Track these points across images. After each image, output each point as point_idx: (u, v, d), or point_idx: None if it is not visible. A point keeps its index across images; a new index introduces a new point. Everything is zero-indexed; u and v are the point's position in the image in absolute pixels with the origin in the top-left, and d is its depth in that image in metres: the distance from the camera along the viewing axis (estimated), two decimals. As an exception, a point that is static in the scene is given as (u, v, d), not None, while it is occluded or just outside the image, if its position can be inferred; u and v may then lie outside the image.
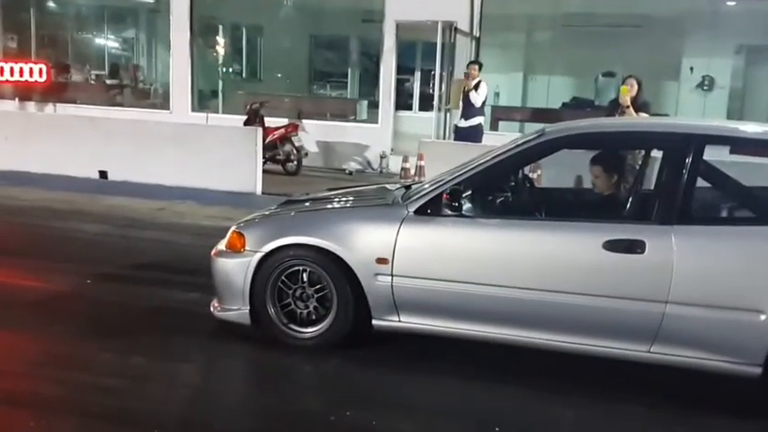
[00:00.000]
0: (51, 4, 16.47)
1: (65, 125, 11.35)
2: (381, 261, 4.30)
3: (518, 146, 4.36)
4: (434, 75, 12.69)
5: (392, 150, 12.81)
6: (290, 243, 4.48)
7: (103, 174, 10.81)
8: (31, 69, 14.37)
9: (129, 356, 4.33)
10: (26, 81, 14.33)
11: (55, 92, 14.74)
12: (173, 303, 5.36)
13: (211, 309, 4.77)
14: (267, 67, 16.51)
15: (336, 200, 5.07)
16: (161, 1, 14.74)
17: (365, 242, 4.35)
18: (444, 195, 4.24)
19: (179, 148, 10.37)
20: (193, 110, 14.12)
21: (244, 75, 16.35)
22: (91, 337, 4.61)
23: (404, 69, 14.36)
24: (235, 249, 4.63)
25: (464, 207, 4.24)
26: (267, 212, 4.98)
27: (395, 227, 4.30)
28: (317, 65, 16.33)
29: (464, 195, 4.24)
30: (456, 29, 12.38)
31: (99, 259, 6.42)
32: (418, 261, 4.28)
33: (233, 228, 4.76)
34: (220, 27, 15.19)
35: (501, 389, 4.08)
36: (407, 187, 5.10)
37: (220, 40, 14.74)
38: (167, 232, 7.74)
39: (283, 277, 4.54)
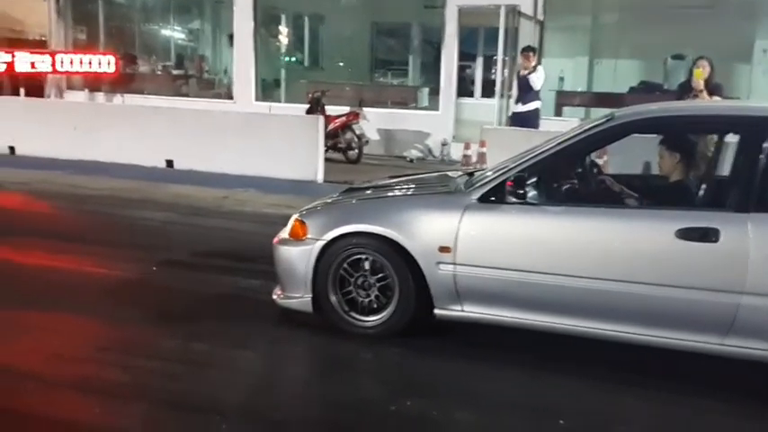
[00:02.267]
0: (122, 3, 16.74)
1: (132, 115, 11.54)
2: (444, 250, 4.23)
3: (586, 130, 4.23)
4: (496, 60, 12.47)
5: (454, 137, 12.67)
6: (352, 231, 4.44)
7: (170, 162, 10.97)
8: (99, 61, 14.69)
9: (193, 342, 4.36)
10: (95, 72, 14.65)
11: (123, 83, 15.02)
12: (235, 290, 5.38)
13: (274, 296, 4.77)
14: (328, 56, 16.53)
15: (398, 187, 5.01)
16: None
17: (427, 230, 4.28)
18: (508, 183, 4.13)
19: (243, 137, 10.45)
20: (257, 99, 14.22)
21: (306, 63, 16.40)
22: (155, 324, 4.65)
23: (466, 56, 14.21)
24: (297, 237, 4.62)
25: (529, 194, 4.12)
26: (329, 200, 4.95)
27: (457, 215, 4.21)
28: (378, 52, 16.26)
29: (529, 182, 4.12)
30: (519, 12, 12.15)
31: (164, 246, 6.52)
32: (481, 249, 4.19)
33: (295, 216, 4.74)
34: (283, 16, 15.28)
35: (565, 380, 3.97)
36: (470, 174, 5.00)
37: (283, 29, 14.83)
38: (230, 220, 7.79)
39: (345, 265, 4.50)
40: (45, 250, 6.30)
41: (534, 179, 4.17)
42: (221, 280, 5.58)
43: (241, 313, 4.92)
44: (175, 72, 16.12)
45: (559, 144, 4.21)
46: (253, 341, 4.48)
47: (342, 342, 4.41)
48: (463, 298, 4.27)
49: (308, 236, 4.56)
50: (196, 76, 16.05)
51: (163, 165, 10.94)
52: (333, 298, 4.53)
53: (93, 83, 15.06)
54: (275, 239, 4.79)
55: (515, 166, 4.22)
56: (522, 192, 4.07)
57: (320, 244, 4.50)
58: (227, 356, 4.22)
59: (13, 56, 13.36)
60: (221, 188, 9.44)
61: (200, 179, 9.98)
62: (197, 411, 3.52)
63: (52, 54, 14.12)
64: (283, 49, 14.74)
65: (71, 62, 14.28)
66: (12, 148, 11.77)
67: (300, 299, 4.59)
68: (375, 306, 4.50)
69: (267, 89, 14.79)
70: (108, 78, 14.92)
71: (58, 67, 14.09)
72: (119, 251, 6.32)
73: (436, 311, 4.36)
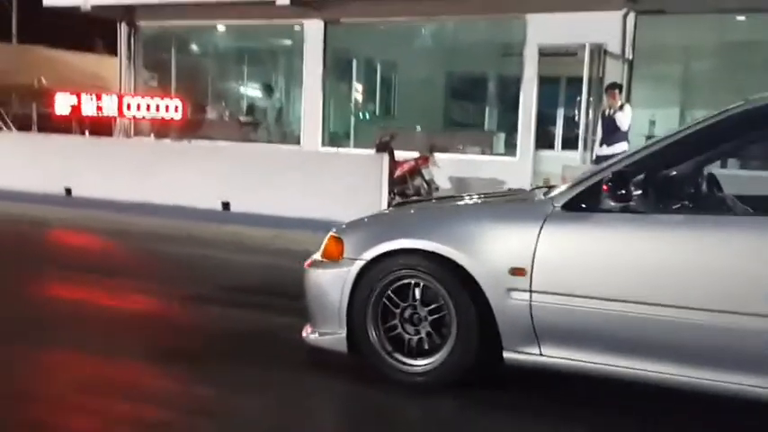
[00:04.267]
0: (193, 47, 16.54)
1: (190, 154, 10.96)
2: (517, 272, 3.19)
3: (713, 117, 3.14)
4: (579, 101, 11.37)
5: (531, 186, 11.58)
6: (399, 249, 3.46)
7: (226, 204, 10.25)
8: (167, 105, 14.26)
9: (192, 386, 3.46)
10: (162, 118, 14.22)
11: (190, 129, 14.58)
12: (261, 328, 4.51)
13: (303, 334, 3.79)
14: (401, 104, 15.79)
15: (461, 200, 4.00)
16: (297, 42, 14.36)
17: (495, 247, 3.27)
18: (604, 186, 3.07)
19: (302, 178, 9.65)
20: (323, 144, 13.55)
21: (377, 111, 15.71)
22: (155, 362, 3.77)
23: (545, 116, 13.16)
24: (331, 258, 3.66)
25: (634, 198, 3.05)
26: (375, 214, 3.97)
27: (535, 227, 3.18)
28: (453, 102, 15.44)
29: (634, 182, 3.05)
30: (605, 51, 11.12)
31: (196, 280, 5.78)
32: (568, 272, 3.14)
33: (331, 232, 3.78)
34: (354, 63, 14.69)
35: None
36: (550, 187, 3.96)
37: (354, 77, 14.23)
38: (276, 257, 7.05)
39: (389, 293, 3.50)
40: (64, 281, 5.69)
41: (641, 179, 3.10)
42: (248, 317, 4.77)
43: (260, 354, 4.00)
44: (243, 119, 15.63)
45: (679, 134, 3.14)
46: (265, 386, 3.50)
47: (379, 392, 3.40)
48: (542, 337, 3.19)
49: (345, 256, 3.59)
50: (264, 124, 15.52)
51: (219, 206, 10.24)
52: (373, 334, 3.52)
53: (161, 128, 14.67)
54: (307, 262, 3.83)
55: (615, 165, 3.17)
56: (624, 193, 2.99)
57: (358, 265, 3.53)
58: (227, 403, 3.26)
59: (79, 98, 13.07)
60: (274, 228, 8.63)
61: (255, 220, 9.24)
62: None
63: (119, 97, 13.79)
64: (354, 96, 14.10)
65: (138, 106, 13.89)
66: (68, 190, 11.29)
67: (333, 335, 3.61)
68: (426, 346, 3.46)
69: (337, 139, 14.13)
70: (175, 124, 14.48)
71: (125, 111, 13.70)
72: (144, 284, 5.60)
73: (506, 355, 3.28)
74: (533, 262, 3.16)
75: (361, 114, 14.89)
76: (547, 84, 12.67)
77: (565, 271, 3.13)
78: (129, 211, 9.88)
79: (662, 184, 3.18)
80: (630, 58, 11.12)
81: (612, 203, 3.04)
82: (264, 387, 3.47)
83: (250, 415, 3.15)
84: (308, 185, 9.61)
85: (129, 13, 14.87)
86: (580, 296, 3.09)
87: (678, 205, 3.19)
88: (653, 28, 11.01)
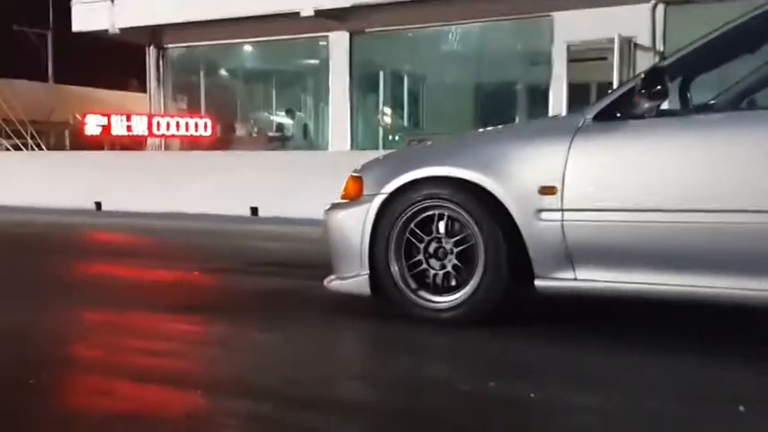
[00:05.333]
0: (220, 66, 16.65)
1: (217, 164, 10.90)
2: (546, 191, 2.97)
3: (748, 14, 2.92)
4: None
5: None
6: (421, 178, 3.27)
7: (254, 210, 10.21)
8: (196, 124, 14.37)
9: (210, 326, 3.31)
10: (191, 135, 14.32)
11: (219, 146, 14.62)
12: (285, 287, 4.36)
13: (325, 282, 3.60)
14: (429, 112, 15.66)
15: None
16: (323, 57, 14.35)
17: (523, 167, 3.06)
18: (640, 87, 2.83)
19: (328, 179, 9.49)
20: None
21: (406, 123, 15.59)
22: (176, 313, 3.58)
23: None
24: (351, 197, 3.50)
25: (670, 98, 2.83)
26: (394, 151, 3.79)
27: (565, 141, 2.97)
28: (481, 108, 15.25)
29: (673, 81, 2.83)
30: (635, 44, 10.90)
31: (222, 258, 5.71)
32: (602, 185, 2.92)
33: (350, 173, 3.61)
34: (381, 75, 14.62)
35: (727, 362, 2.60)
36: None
37: (382, 97, 14.16)
38: (303, 243, 6.87)
39: (412, 226, 3.30)
40: (94, 262, 5.70)
41: (681, 78, 2.88)
42: (268, 281, 4.59)
43: (286, 305, 3.81)
44: (271, 134, 15.64)
45: (723, 29, 2.90)
46: (284, 326, 3.30)
47: (405, 328, 3.19)
48: (577, 260, 2.95)
49: (365, 193, 3.41)
50: (292, 139, 15.51)
51: (247, 212, 10.17)
52: (396, 272, 3.31)
53: (191, 147, 14.74)
54: (326, 207, 3.66)
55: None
56: (660, 90, 2.75)
57: (379, 200, 3.35)
58: (244, 338, 3.10)
59: (109, 119, 13.19)
60: (304, 226, 8.51)
61: (284, 222, 9.16)
62: (171, 383, 2.38)
63: (149, 117, 13.90)
64: (383, 118, 14.01)
65: (168, 126, 14.01)
66: (98, 204, 11.32)
67: (355, 277, 3.41)
68: (452, 281, 3.24)
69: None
70: (205, 142, 14.55)
71: (155, 130, 13.81)
72: (168, 262, 5.55)
73: (538, 283, 3.04)
74: (564, 178, 2.94)
75: (390, 136, 14.77)
76: (577, 90, 12.46)
77: (599, 184, 2.92)
78: (159, 218, 9.89)
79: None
80: (662, 50, 10.88)
81: (648, 105, 2.81)
82: (285, 326, 3.28)
83: (268, 347, 2.96)
84: (336, 187, 9.47)
85: (156, 35, 15.03)
86: (617, 210, 2.86)
87: (726, 101, 2.96)
88: (683, 18, 10.77)
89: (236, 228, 8.49)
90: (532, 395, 2.24)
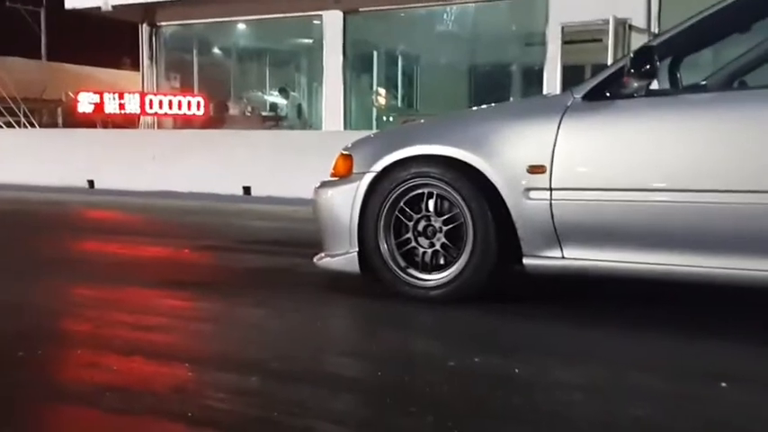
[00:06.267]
0: (214, 45, 16.55)
1: (209, 142, 10.85)
2: (535, 170, 2.99)
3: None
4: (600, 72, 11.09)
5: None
6: (411, 156, 3.28)
7: (247, 189, 10.19)
8: (189, 102, 14.28)
9: (199, 302, 3.33)
10: (184, 114, 14.24)
11: (212, 125, 14.53)
12: (273, 265, 4.36)
13: (314, 260, 3.62)
14: (423, 93, 15.62)
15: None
16: (317, 36, 14.27)
17: (512, 145, 3.08)
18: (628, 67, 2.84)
19: (323, 159, 9.45)
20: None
21: (399, 104, 15.55)
22: (165, 288, 3.60)
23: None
24: (340, 174, 3.50)
25: (662, 77, 2.84)
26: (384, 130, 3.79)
27: (554, 120, 2.98)
28: (476, 89, 15.22)
29: (663, 60, 2.84)
30: (630, 26, 10.87)
31: (213, 237, 5.70)
32: (590, 164, 2.94)
33: (340, 151, 3.62)
34: (375, 55, 14.56)
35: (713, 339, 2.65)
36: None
37: (376, 78, 14.12)
38: (295, 223, 6.81)
39: (402, 205, 3.32)
40: (85, 239, 5.63)
41: (671, 59, 2.89)
42: (258, 258, 4.61)
43: (275, 282, 3.84)
44: (265, 114, 15.58)
45: (713, 9, 2.90)
46: (272, 301, 3.33)
47: (394, 305, 3.21)
48: (564, 238, 2.98)
49: (354, 171, 3.42)
50: (286, 119, 15.45)
51: (240, 191, 10.15)
52: (385, 249, 3.34)
53: (184, 125, 14.66)
54: (316, 185, 3.67)
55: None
56: (649, 69, 2.76)
57: (369, 178, 3.36)
58: (231, 313, 3.13)
59: (102, 97, 13.12)
60: (297, 206, 8.49)
61: (277, 201, 9.14)
62: (154, 357, 2.39)
63: (142, 95, 13.82)
64: (377, 99, 13.96)
65: (160, 104, 13.92)
66: (91, 182, 11.29)
67: (345, 255, 3.43)
68: (441, 260, 3.27)
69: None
70: (198, 120, 14.48)
71: (147, 109, 13.73)
72: (159, 240, 5.51)
73: (526, 261, 3.07)
74: (553, 157, 2.96)
75: (384, 117, 14.72)
76: (571, 71, 12.43)
77: (587, 164, 2.93)
78: (152, 196, 9.87)
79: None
80: (656, 31, 10.83)
81: (637, 84, 2.82)
82: (275, 302, 3.30)
83: (257, 323, 2.98)
84: (328, 166, 9.47)
85: (149, 13, 14.88)
86: (604, 189, 2.89)
87: (717, 81, 2.97)
88: (678, 0, 10.74)
89: (229, 207, 8.48)
90: (517, 370, 2.27)
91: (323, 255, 3.57)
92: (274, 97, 16.09)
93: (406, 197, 3.31)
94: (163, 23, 15.19)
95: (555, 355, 2.47)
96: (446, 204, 3.24)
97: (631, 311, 3.13)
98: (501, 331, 2.84)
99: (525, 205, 3.02)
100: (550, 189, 2.97)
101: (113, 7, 14.29)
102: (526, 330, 2.85)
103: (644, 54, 2.78)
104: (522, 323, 2.93)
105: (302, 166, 9.51)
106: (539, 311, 3.10)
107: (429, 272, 3.27)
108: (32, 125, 18.24)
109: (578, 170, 2.94)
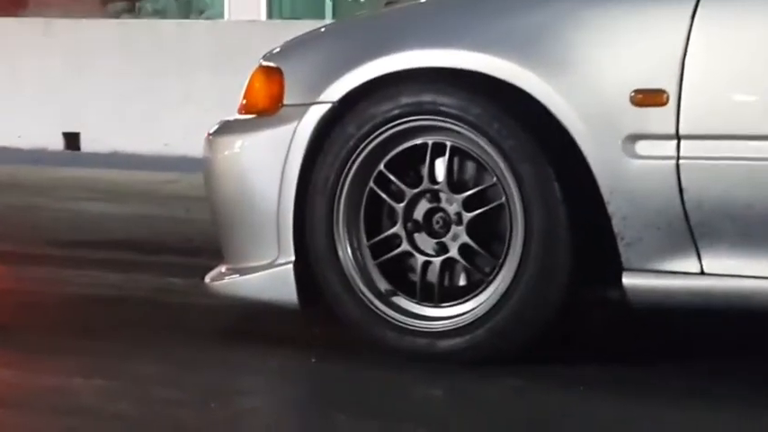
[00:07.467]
0: None
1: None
2: (648, 99, 3.06)
3: None
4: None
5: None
6: (400, 71, 3.34)
7: (72, 138, 11.15)
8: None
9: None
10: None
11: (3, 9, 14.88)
12: (112, 291, 4.70)
13: (206, 279, 3.78)
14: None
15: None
16: None
17: (601, 52, 3.18)
18: None
19: (219, 74, 10.11)
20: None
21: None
22: None
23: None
24: (259, 110, 3.61)
25: None
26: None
27: (686, 8, 3.02)
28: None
29: None
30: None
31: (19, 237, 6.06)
32: (755, 91, 3.02)
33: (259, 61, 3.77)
34: None
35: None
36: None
37: None
38: (161, 203, 7.54)
39: (382, 168, 3.40)
40: None
41: None
42: (95, 278, 4.99)
43: (115, 329, 3.99)
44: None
45: None
46: (118, 375, 3.35)
47: (361, 374, 3.33)
48: (704, 234, 3.04)
49: (286, 102, 3.49)
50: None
51: (59, 142, 10.89)
52: (348, 258, 3.42)
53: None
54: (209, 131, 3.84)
55: None
56: None
57: (316, 115, 3.43)
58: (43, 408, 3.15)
59: None
60: (170, 171, 9.10)
61: (129, 162, 9.81)
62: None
63: None
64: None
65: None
66: None
67: (267, 270, 3.51)
68: (462, 279, 3.36)
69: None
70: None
71: None
72: None
73: (627, 282, 3.12)
74: (682, 75, 2.99)
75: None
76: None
77: (749, 89, 3.04)
78: None
79: None
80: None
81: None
82: (120, 379, 3.30)
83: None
84: (235, 95, 9.69)
85: None
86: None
87: None
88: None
89: (37, 173, 8.86)
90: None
91: (224, 269, 3.68)
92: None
93: (390, 154, 3.36)
94: None
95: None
96: (470, 168, 3.31)
97: None
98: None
99: (628, 169, 3.07)
100: (677, 137, 3.01)
101: None
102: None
103: None
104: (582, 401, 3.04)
105: (182, 93, 9.80)
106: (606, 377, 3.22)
107: (436, 302, 3.31)
108: None
109: (733, 100, 3.00)
